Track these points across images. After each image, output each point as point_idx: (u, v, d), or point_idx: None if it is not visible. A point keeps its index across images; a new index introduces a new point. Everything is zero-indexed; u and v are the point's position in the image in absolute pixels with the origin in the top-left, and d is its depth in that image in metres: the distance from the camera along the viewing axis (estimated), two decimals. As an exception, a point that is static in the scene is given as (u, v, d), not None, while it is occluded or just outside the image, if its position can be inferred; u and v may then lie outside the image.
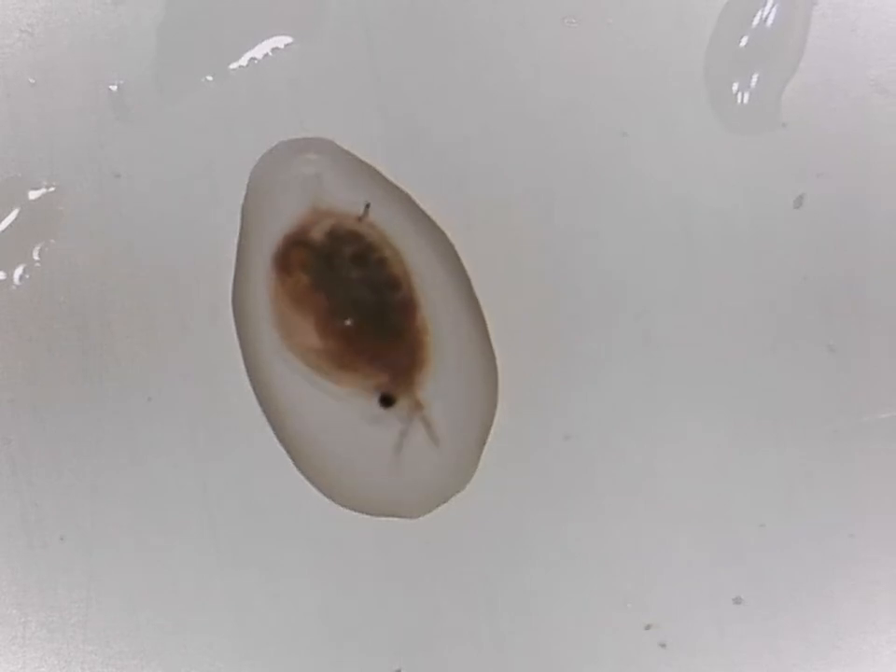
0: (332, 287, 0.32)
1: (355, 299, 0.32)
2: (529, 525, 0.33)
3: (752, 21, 0.34)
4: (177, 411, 0.33)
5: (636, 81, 0.33)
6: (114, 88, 0.34)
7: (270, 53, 0.33)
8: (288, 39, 0.34)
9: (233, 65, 0.33)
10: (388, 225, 0.33)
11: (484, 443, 0.33)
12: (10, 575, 0.33)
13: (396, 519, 0.33)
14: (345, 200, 0.33)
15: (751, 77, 0.33)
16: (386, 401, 0.32)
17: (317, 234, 0.32)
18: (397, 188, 0.33)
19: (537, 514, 0.33)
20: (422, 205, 0.33)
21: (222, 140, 0.33)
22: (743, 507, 0.33)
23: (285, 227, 0.33)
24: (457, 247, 0.33)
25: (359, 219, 0.32)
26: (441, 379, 0.32)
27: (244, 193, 0.33)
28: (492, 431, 0.33)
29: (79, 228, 0.33)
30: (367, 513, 0.33)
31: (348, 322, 0.32)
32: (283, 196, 0.33)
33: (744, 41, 0.34)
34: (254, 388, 0.33)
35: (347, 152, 0.33)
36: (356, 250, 0.32)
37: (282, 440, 0.33)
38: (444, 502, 0.33)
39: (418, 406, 0.32)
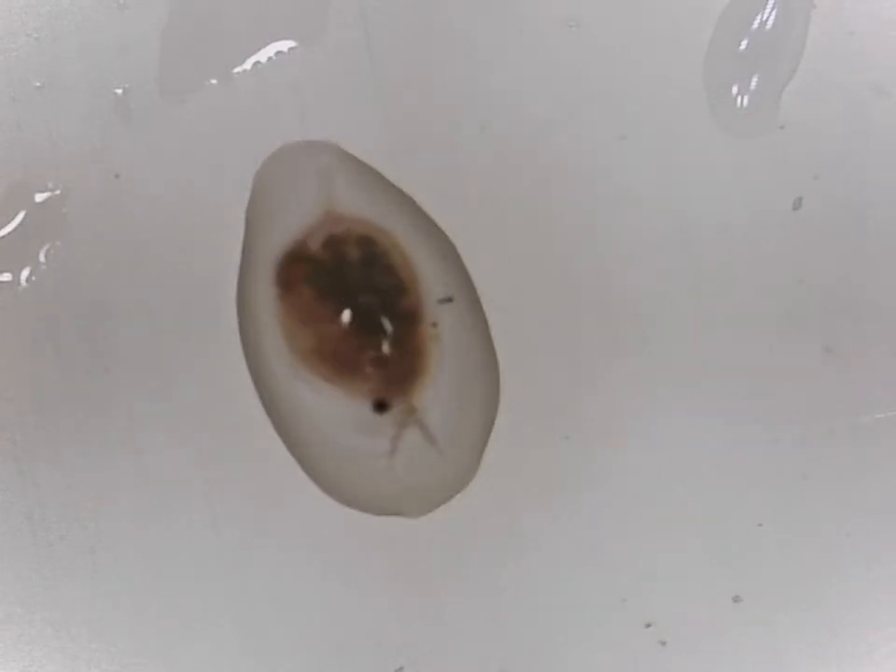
0: (337, 294, 0.32)
1: (358, 305, 0.32)
2: (529, 525, 0.33)
3: (751, 23, 0.34)
4: (181, 411, 0.33)
5: (635, 84, 0.33)
6: (119, 91, 0.34)
7: (273, 57, 0.34)
8: (291, 43, 0.34)
9: (237, 69, 0.34)
10: (389, 227, 0.33)
11: (486, 443, 0.33)
12: (15, 573, 0.34)
13: (398, 518, 0.33)
14: (349, 202, 0.33)
15: (750, 80, 0.34)
16: (380, 407, 0.32)
17: (320, 241, 0.33)
18: (398, 189, 0.33)
19: (537, 514, 0.33)
20: (423, 207, 0.33)
21: (226, 143, 0.33)
22: (741, 506, 0.33)
23: (289, 231, 0.33)
24: (458, 248, 0.33)
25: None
26: (443, 379, 0.33)
27: (247, 196, 0.33)
28: (492, 431, 0.33)
29: (85, 230, 0.34)
30: (369, 513, 0.33)
31: (349, 327, 0.32)
32: (287, 199, 0.33)
33: (743, 44, 0.34)
34: (257, 389, 0.33)
35: (350, 155, 0.33)
36: (364, 255, 0.32)
37: (284, 440, 0.33)
38: (446, 502, 0.33)
39: (412, 411, 0.32)
